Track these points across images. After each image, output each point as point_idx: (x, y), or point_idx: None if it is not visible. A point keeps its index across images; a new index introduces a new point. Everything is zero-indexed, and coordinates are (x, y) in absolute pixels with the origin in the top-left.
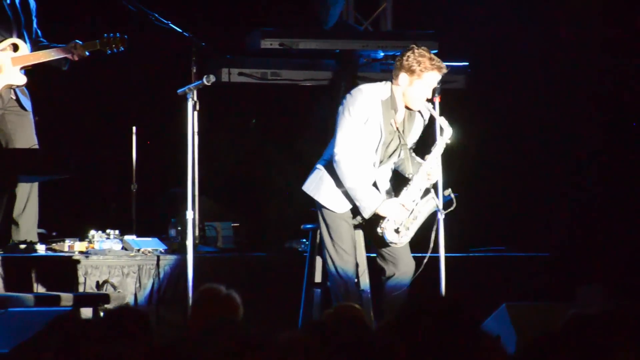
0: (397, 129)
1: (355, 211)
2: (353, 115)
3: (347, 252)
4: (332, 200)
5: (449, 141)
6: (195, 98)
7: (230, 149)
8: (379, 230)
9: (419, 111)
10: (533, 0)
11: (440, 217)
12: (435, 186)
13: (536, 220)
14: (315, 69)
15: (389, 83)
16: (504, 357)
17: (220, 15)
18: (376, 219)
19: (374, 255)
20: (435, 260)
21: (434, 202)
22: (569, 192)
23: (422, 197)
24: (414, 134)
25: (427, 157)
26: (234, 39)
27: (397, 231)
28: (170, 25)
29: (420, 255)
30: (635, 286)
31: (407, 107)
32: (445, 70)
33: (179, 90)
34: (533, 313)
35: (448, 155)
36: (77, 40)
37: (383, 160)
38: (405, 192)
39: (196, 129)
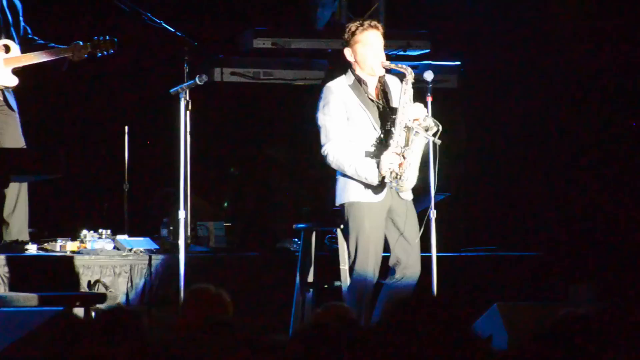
0: (378, 100)
1: (386, 202)
2: (328, 113)
3: (373, 254)
4: (364, 191)
5: (413, 80)
6: (187, 97)
7: (222, 148)
8: (387, 183)
9: (389, 78)
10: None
11: (432, 216)
12: (427, 186)
13: (527, 220)
14: (307, 69)
15: (349, 71)
16: (495, 357)
17: (213, 14)
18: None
19: (387, 254)
20: (427, 260)
21: (423, 136)
22: (560, 191)
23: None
24: (397, 97)
25: (399, 107)
26: (227, 38)
27: (399, 177)
28: (163, 24)
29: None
30: (626, 286)
31: (373, 76)
32: (379, 25)
33: (172, 90)
34: (524, 313)
35: (440, 154)
36: (79, 41)
37: (392, 135)
38: (392, 142)
39: (188, 129)
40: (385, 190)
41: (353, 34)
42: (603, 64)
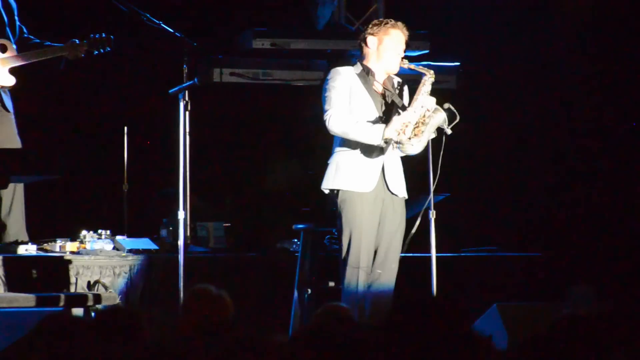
0: (384, 91)
1: (378, 193)
2: (333, 87)
3: (366, 250)
4: (355, 180)
5: (432, 79)
6: (187, 98)
7: (221, 149)
8: (395, 145)
9: (398, 79)
10: (525, 0)
11: (432, 217)
12: (427, 188)
13: (528, 220)
14: (307, 69)
15: (357, 62)
16: (495, 357)
17: (212, 15)
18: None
19: None
20: (426, 261)
21: (443, 115)
22: (561, 192)
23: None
24: (404, 98)
25: (419, 92)
26: (226, 39)
27: (408, 140)
28: (162, 25)
29: (415, 255)
30: (626, 287)
31: (383, 71)
32: (407, 33)
33: (171, 91)
34: (524, 313)
35: (440, 155)
36: (75, 40)
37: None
38: (407, 111)
39: (188, 129)
40: (376, 181)
41: (386, 24)
42: (604, 63)
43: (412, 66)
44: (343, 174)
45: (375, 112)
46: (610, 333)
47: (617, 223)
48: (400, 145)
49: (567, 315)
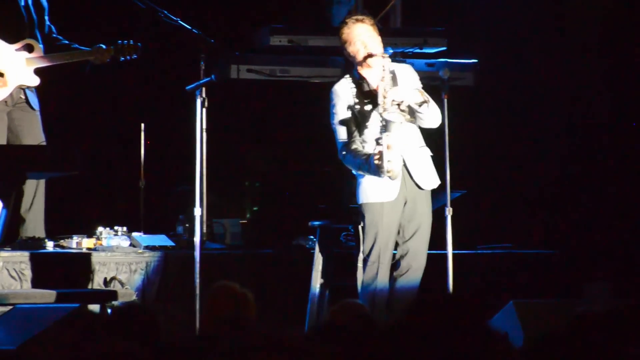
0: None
1: (402, 194)
2: (336, 117)
3: (386, 251)
4: (378, 191)
5: (388, 61)
6: (204, 95)
7: (238, 145)
8: (388, 173)
9: (397, 68)
10: None
11: (448, 214)
12: (444, 185)
13: (544, 218)
14: (324, 66)
15: (353, 69)
16: (511, 355)
17: (229, 11)
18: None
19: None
20: (442, 258)
21: (398, 117)
22: (577, 189)
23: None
24: (405, 85)
25: (379, 94)
26: (243, 35)
27: (388, 161)
28: (179, 22)
29: (431, 252)
30: None
31: (373, 70)
32: (363, 17)
33: (188, 87)
34: (540, 310)
35: (456, 152)
36: (101, 44)
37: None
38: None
39: (204, 126)
40: (398, 189)
41: (341, 35)
42: (619, 61)
43: (373, 52)
44: (366, 187)
45: (378, 123)
46: (626, 331)
47: (633, 220)
48: (389, 176)
49: (583, 313)
